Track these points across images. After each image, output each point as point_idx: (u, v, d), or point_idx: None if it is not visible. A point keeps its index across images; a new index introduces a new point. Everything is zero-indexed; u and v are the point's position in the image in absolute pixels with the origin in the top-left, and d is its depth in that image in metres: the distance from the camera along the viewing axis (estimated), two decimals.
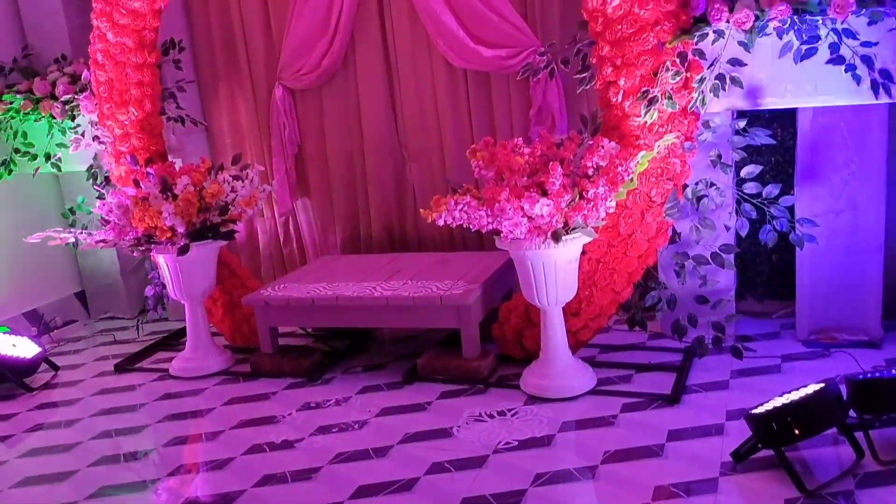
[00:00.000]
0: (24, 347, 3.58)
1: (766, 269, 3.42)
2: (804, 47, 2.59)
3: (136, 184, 3.37)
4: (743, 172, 2.89)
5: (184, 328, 3.66)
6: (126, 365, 3.71)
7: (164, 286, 3.75)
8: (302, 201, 4.21)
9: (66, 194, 4.28)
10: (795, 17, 2.56)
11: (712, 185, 2.94)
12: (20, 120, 3.89)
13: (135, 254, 3.39)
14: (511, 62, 3.53)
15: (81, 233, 3.41)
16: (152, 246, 3.33)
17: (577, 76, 3.02)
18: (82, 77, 3.72)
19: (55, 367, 3.72)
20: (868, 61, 2.53)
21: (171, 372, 3.53)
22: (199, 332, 3.51)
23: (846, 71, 2.54)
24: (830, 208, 2.97)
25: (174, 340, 3.99)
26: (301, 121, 4.08)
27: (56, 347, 4.09)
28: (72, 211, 4.13)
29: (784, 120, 3.19)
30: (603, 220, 2.75)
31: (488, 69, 3.63)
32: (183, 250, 3.29)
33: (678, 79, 2.69)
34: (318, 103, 4.03)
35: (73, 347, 4.09)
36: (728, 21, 2.63)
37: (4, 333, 3.61)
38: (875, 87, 2.55)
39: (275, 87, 4.00)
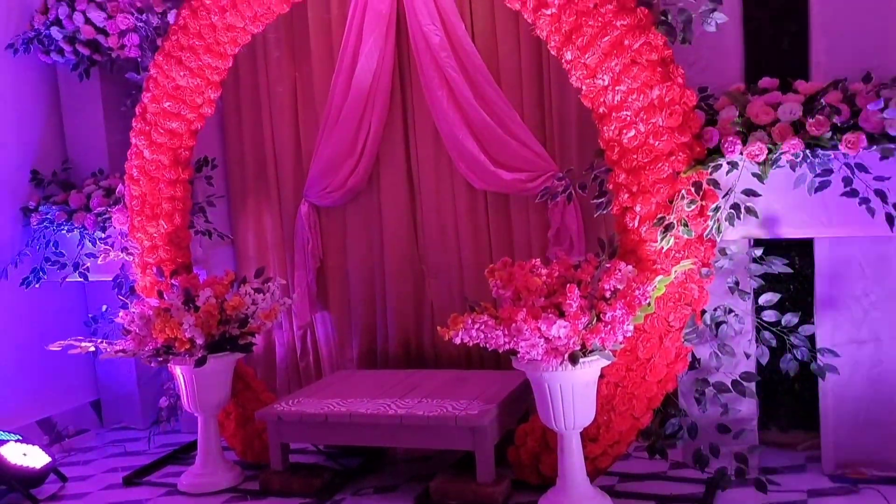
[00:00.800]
0: (34, 457, 3.54)
1: (789, 398, 3.35)
2: (818, 180, 2.64)
3: (160, 295, 3.44)
4: (761, 300, 2.89)
5: (196, 441, 3.61)
6: (135, 478, 3.65)
7: (178, 397, 3.73)
8: (321, 315, 4.24)
9: (91, 302, 4.35)
10: (808, 150, 2.63)
11: (731, 311, 2.93)
12: (53, 230, 4.02)
13: (152, 364, 3.40)
14: (530, 185, 3.63)
15: (101, 342, 3.44)
16: (170, 357, 3.35)
17: (595, 201, 3.09)
18: (117, 191, 3.87)
19: (63, 478, 3.66)
20: (881, 195, 2.57)
21: (180, 487, 3.46)
22: (209, 447, 3.46)
23: (860, 204, 2.58)
24: (852, 338, 2.94)
25: (185, 453, 3.93)
26: (324, 236, 4.17)
27: (66, 457, 4.03)
28: (94, 319, 4.18)
29: (802, 248, 3.21)
30: (621, 343, 2.73)
31: (508, 191, 3.73)
32: (200, 362, 3.30)
33: (693, 207, 2.74)
34: (342, 220, 4.14)
35: (84, 458, 4.04)
36: (741, 153, 2.71)
37: (16, 442, 3.59)
38: (890, 219, 2.58)
39: (301, 203, 4.13)
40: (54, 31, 4.07)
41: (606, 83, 2.82)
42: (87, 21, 4.00)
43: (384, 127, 3.92)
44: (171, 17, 3.66)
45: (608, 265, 2.81)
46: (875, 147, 2.56)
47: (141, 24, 3.82)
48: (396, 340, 4.06)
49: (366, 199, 4.08)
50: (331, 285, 4.20)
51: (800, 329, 2.83)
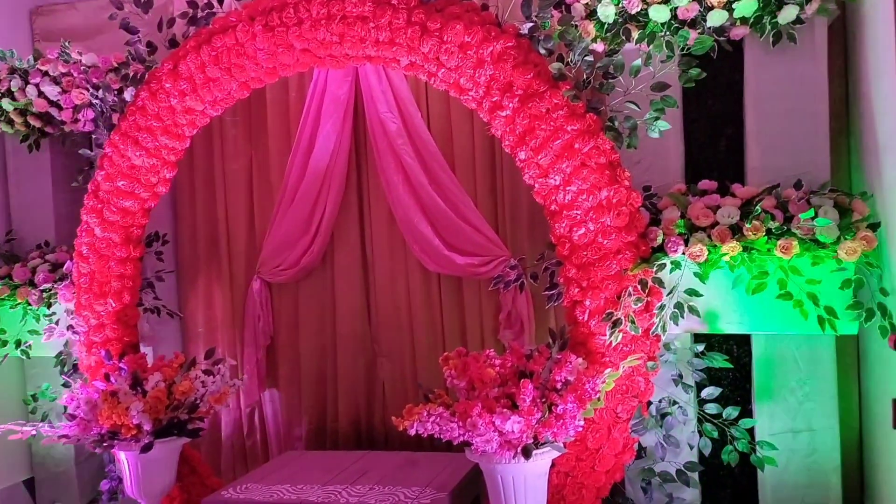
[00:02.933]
0: None
1: (730, 483, 3.45)
2: (755, 282, 2.80)
3: (107, 377, 3.37)
4: (703, 394, 3.01)
5: None
6: None
7: (120, 480, 3.63)
8: (269, 392, 4.20)
9: (30, 379, 4.21)
10: (745, 253, 2.80)
11: (675, 402, 3.05)
12: None
13: (96, 450, 3.31)
14: (482, 269, 3.73)
15: (43, 426, 3.34)
16: (115, 442, 3.27)
17: (546, 293, 3.20)
18: (64, 267, 3.80)
19: None
20: (813, 297, 2.75)
21: None
22: None
23: (794, 307, 2.75)
24: (789, 427, 3.08)
25: None
26: (276, 313, 4.17)
27: None
28: (34, 397, 4.05)
29: (742, 339, 3.36)
30: (572, 436, 2.80)
31: (461, 275, 3.82)
32: (146, 448, 3.24)
33: (640, 304, 2.87)
34: (294, 297, 4.15)
35: None
36: (684, 253, 2.86)
37: None
38: (821, 321, 2.74)
39: (253, 280, 4.12)
40: (5, 103, 4.02)
41: (558, 183, 2.95)
42: (41, 94, 3.97)
43: (339, 208, 3.99)
44: (127, 94, 3.67)
45: (559, 356, 2.90)
46: (807, 252, 2.74)
47: (96, 101, 3.81)
48: (347, 419, 4.05)
49: (319, 276, 4.10)
50: (281, 363, 4.18)
51: (739, 422, 2.95)
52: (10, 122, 4.09)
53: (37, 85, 3.96)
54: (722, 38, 3.00)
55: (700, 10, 2.95)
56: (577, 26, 3.02)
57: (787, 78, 3.03)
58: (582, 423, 2.80)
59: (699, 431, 3.04)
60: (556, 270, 3.17)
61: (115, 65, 3.85)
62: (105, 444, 3.28)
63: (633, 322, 2.87)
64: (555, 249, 3.10)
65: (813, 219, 2.70)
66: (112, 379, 3.35)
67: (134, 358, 3.52)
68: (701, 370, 3.05)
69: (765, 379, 3.10)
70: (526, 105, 2.93)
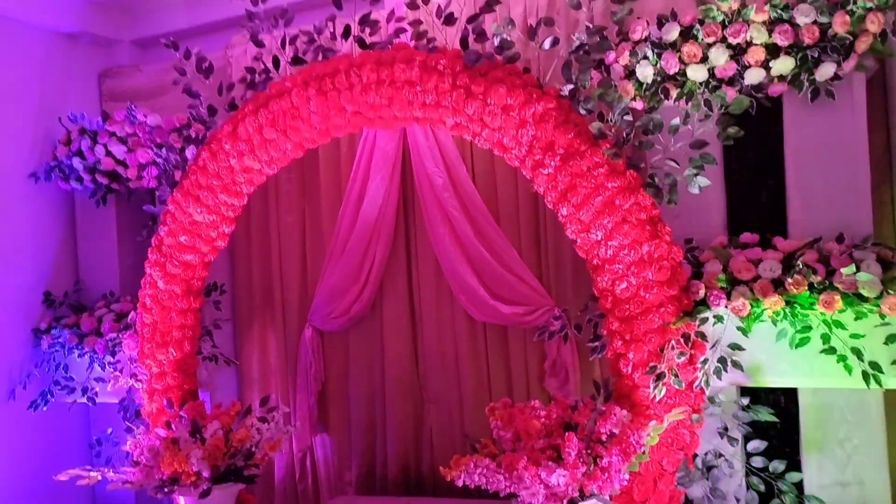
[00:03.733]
0: None
1: None
2: (798, 336, 2.83)
3: (168, 425, 3.53)
4: (749, 447, 3.02)
5: None
6: None
7: None
8: (321, 437, 4.32)
9: (94, 424, 4.42)
10: (788, 308, 2.83)
11: (720, 455, 3.06)
12: (64, 354, 4.13)
13: (157, 495, 3.47)
14: (527, 318, 3.80)
15: (108, 471, 3.51)
16: (175, 488, 3.42)
17: (590, 344, 3.26)
18: (129, 317, 4.01)
19: None
20: (857, 352, 2.76)
21: None
22: None
23: (837, 361, 2.76)
24: (837, 480, 3.06)
25: None
26: (327, 360, 4.30)
27: None
28: (98, 442, 4.25)
29: (789, 390, 3.36)
30: (617, 490, 2.84)
31: (506, 324, 3.90)
32: (204, 494, 3.38)
33: (683, 358, 2.91)
34: (345, 345, 4.28)
35: None
36: (726, 307, 2.90)
37: None
38: (865, 377, 2.75)
39: (305, 328, 4.27)
40: (76, 162, 4.29)
41: (599, 238, 3.03)
42: (108, 153, 4.24)
43: (388, 258, 4.12)
44: (188, 153, 3.89)
45: (604, 409, 2.96)
46: (850, 307, 2.76)
47: (160, 159, 4.05)
48: (396, 465, 4.14)
49: (368, 325, 4.23)
50: (332, 408, 4.30)
51: (786, 476, 2.95)
52: (80, 179, 4.36)
53: (105, 145, 4.23)
54: (760, 95, 3.07)
55: (738, 69, 3.03)
56: (616, 87, 3.12)
57: (827, 132, 3.06)
58: (627, 476, 2.84)
59: (746, 484, 3.04)
60: (599, 322, 3.23)
61: (178, 126, 4.09)
62: (166, 490, 3.43)
63: (676, 376, 2.91)
64: (598, 301, 3.17)
65: (855, 273, 2.72)
66: (173, 426, 3.51)
67: (193, 405, 3.68)
68: (747, 423, 3.06)
69: (813, 431, 3.10)
70: (567, 163, 3.03)
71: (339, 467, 4.28)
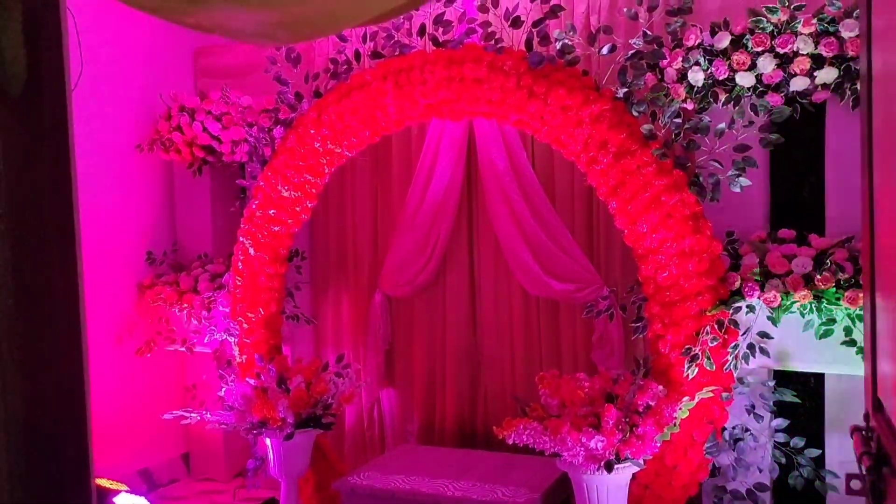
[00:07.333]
0: None
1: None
2: (823, 328, 3.11)
3: (258, 375, 4.05)
4: (773, 424, 3.34)
5: (273, 498, 4.19)
6: None
7: (263, 460, 4.32)
8: (387, 391, 4.80)
9: (189, 371, 5.00)
10: (815, 301, 3.10)
11: (747, 430, 3.39)
12: (166, 308, 4.69)
13: (248, 436, 4.00)
14: (578, 295, 4.15)
15: (206, 413, 4.06)
16: (264, 431, 3.94)
17: (633, 324, 3.60)
18: (223, 278, 4.52)
19: None
20: None
21: None
22: None
23: (857, 353, 3.04)
24: (854, 458, 3.35)
25: None
26: (394, 323, 4.75)
27: None
28: (193, 386, 4.82)
29: (817, 374, 3.65)
30: (649, 456, 3.21)
31: (557, 299, 4.26)
32: (289, 437, 3.89)
33: (716, 342, 3.23)
34: (411, 310, 4.72)
35: None
36: (759, 298, 3.20)
37: (126, 492, 4.21)
38: None
39: (375, 293, 4.72)
40: (175, 136, 4.78)
41: (645, 230, 3.34)
42: (205, 129, 4.71)
43: (452, 234, 4.50)
44: (276, 133, 4.32)
45: (642, 383, 3.31)
46: None
47: (251, 137, 4.49)
48: (453, 420, 4.59)
49: (432, 293, 4.65)
50: (397, 366, 4.77)
51: (805, 451, 3.27)
52: (179, 151, 4.85)
53: (202, 122, 4.69)
54: (805, 101, 3.29)
55: (784, 76, 3.25)
56: (667, 92, 3.38)
57: None
58: (659, 444, 3.20)
59: (772, 457, 3.37)
60: (642, 305, 3.56)
61: (268, 108, 4.51)
62: (255, 432, 3.95)
63: (708, 358, 3.23)
64: (642, 286, 3.49)
65: None
66: (262, 377, 4.02)
67: (280, 359, 4.18)
68: (773, 402, 3.37)
69: (836, 412, 3.39)
70: (619, 161, 3.34)
71: (402, 419, 4.77)
